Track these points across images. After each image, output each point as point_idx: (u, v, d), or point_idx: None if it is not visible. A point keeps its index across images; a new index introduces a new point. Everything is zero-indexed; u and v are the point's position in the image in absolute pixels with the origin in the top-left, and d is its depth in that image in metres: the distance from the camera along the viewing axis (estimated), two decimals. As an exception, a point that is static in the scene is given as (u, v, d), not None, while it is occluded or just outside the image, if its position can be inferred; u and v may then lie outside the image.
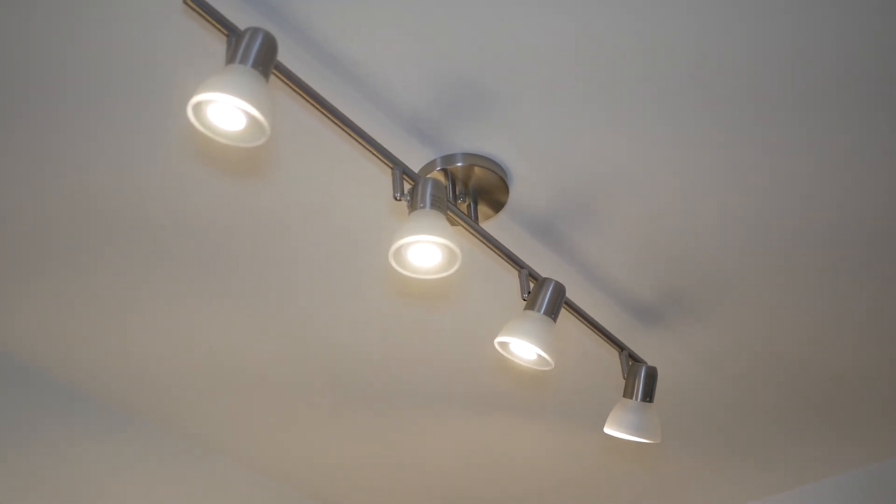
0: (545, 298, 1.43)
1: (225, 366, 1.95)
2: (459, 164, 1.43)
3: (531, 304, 1.43)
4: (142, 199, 1.53)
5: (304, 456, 2.29)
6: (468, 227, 1.42)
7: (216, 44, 1.26)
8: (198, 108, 1.06)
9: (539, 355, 1.42)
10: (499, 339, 1.40)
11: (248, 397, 2.06)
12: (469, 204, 1.49)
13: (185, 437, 2.21)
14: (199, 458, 2.24)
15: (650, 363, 1.87)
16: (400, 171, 1.30)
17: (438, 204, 1.27)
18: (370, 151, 1.30)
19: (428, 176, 1.44)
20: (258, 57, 1.07)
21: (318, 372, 1.97)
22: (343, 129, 1.26)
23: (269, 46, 1.09)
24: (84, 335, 1.86)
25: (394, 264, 1.27)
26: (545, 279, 1.45)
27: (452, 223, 1.44)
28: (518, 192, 1.50)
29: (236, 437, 2.20)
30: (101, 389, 2.04)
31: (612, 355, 1.87)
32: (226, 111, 1.07)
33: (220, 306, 1.77)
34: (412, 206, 1.28)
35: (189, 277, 1.70)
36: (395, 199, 1.28)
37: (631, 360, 1.65)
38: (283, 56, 1.27)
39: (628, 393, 1.62)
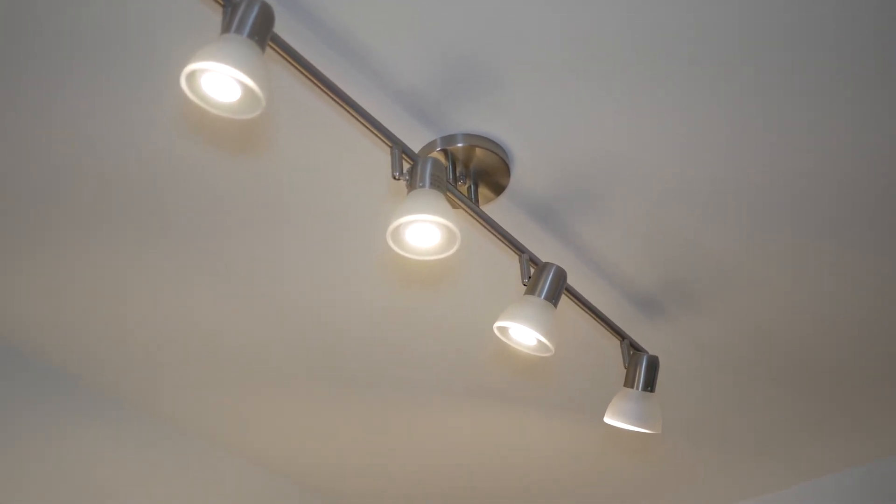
0: (546, 283, 1.41)
1: (218, 351, 1.93)
2: (460, 145, 1.40)
3: (531, 288, 1.41)
4: (134, 178, 1.50)
5: (299, 444, 2.27)
6: (468, 210, 1.40)
7: (215, 16, 1.23)
8: (191, 77, 1.04)
9: (539, 341, 1.40)
10: (498, 323, 1.38)
11: (240, 383, 2.03)
12: (469, 186, 1.46)
13: (172, 423, 2.19)
14: (188, 445, 2.22)
15: (652, 353, 1.85)
16: (399, 150, 1.28)
17: (438, 183, 1.24)
18: (369, 130, 1.27)
19: (428, 156, 1.41)
20: (254, 27, 1.05)
21: (313, 358, 1.95)
22: (342, 107, 1.24)
23: (266, 16, 1.06)
24: (71, 317, 1.83)
25: (392, 244, 1.25)
26: (546, 264, 1.42)
27: (453, 205, 1.41)
28: (520, 176, 1.47)
29: (228, 423, 2.18)
30: (87, 372, 2.01)
31: (614, 344, 1.84)
32: (220, 81, 1.05)
33: (214, 290, 1.75)
34: (411, 186, 1.25)
35: (180, 259, 1.68)
36: (394, 178, 1.26)
37: (632, 349, 1.63)
38: (283, 32, 1.24)
39: (629, 382, 1.59)
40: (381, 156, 1.45)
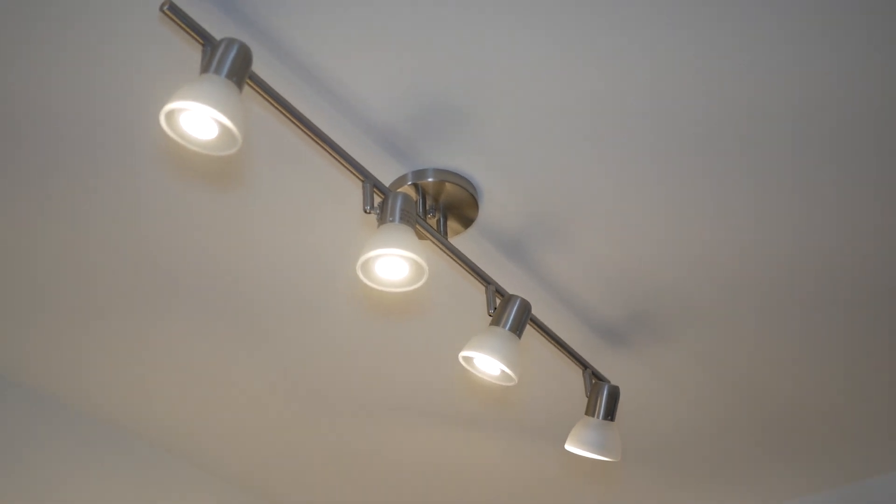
0: (511, 315, 1.45)
1: (197, 376, 1.95)
2: (430, 180, 1.44)
3: (497, 319, 1.45)
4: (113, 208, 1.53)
5: (264, 462, 2.29)
6: (437, 242, 1.44)
7: (195, 54, 1.27)
8: (170, 116, 1.07)
9: (503, 371, 1.44)
10: (463, 353, 1.42)
11: (211, 402, 2.05)
12: (439, 219, 1.50)
13: (146, 442, 2.20)
14: (155, 460, 2.23)
15: (613, 383, 1.89)
16: (371, 184, 1.32)
17: (407, 218, 1.29)
18: (342, 164, 1.31)
19: (398, 190, 1.46)
20: (233, 67, 1.09)
21: (282, 380, 1.97)
22: (315, 142, 1.27)
23: (244, 57, 1.10)
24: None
25: (361, 277, 1.29)
26: (511, 296, 1.47)
27: (421, 238, 1.45)
28: (488, 209, 1.52)
29: (198, 441, 2.20)
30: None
31: (576, 373, 1.89)
32: (198, 120, 1.08)
33: (195, 322, 1.77)
34: (381, 220, 1.29)
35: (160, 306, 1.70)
36: (366, 212, 1.30)
37: (594, 378, 1.67)
38: (259, 68, 1.28)
39: (590, 411, 1.64)
40: (354, 189, 1.49)
